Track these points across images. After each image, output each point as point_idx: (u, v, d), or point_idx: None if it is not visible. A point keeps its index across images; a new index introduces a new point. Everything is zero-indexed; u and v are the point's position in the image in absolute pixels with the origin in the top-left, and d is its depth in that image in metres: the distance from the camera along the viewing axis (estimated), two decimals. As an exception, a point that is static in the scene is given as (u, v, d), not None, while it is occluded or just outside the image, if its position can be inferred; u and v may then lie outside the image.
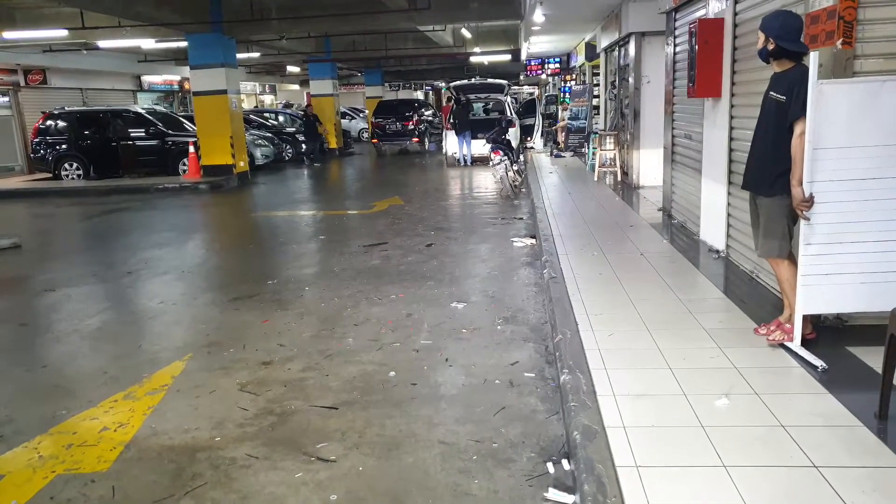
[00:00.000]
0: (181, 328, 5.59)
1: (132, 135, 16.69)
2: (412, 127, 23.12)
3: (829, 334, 4.18)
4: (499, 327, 5.15)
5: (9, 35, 14.97)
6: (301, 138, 21.65)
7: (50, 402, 4.16)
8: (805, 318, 3.96)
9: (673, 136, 8.27)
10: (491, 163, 12.61)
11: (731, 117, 6.02)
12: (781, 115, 3.79)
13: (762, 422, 3.19)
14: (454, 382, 4.20)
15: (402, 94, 39.45)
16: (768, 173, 3.93)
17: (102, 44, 16.93)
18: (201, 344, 5.10)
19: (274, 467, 3.32)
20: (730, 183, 6.07)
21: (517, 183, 12.46)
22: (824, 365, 3.68)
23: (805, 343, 3.94)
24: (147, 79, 25.96)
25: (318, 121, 22.08)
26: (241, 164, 15.91)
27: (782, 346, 4.02)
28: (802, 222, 3.76)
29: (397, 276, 6.75)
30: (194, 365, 4.68)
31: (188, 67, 15.88)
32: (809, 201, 3.69)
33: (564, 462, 3.18)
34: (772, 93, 3.92)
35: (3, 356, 5.18)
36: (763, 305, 4.87)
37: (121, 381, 4.45)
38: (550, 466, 3.17)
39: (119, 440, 3.63)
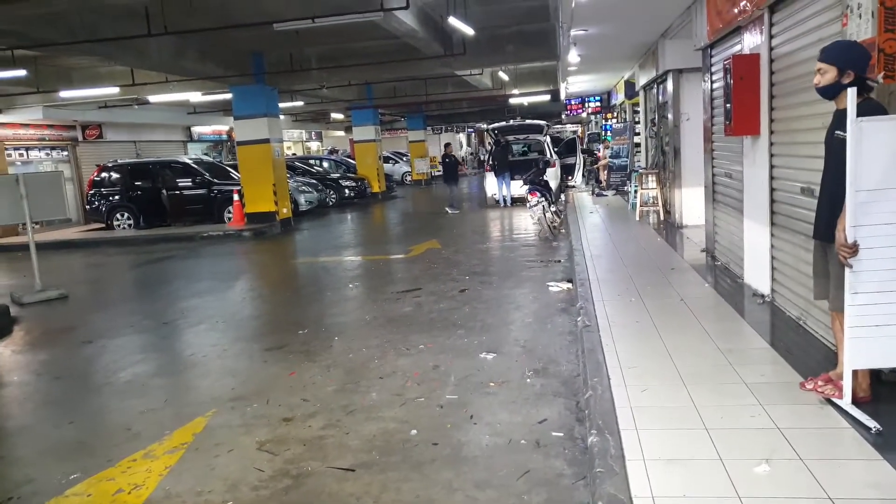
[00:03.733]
0: (209, 381, 5.54)
1: (180, 184, 17.18)
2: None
3: (885, 391, 3.83)
4: (528, 380, 4.94)
5: (66, 94, 15.69)
6: (345, 183, 21.93)
7: (70, 461, 4.13)
8: (861, 375, 3.65)
9: (713, 175, 8.00)
10: (528, 204, 12.47)
11: (772, 155, 5.76)
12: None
13: (807, 493, 2.89)
14: (478, 442, 4.00)
15: (445, 137, 39.85)
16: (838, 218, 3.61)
17: (153, 98, 17.57)
18: (226, 398, 5.02)
19: (284, 536, 3.17)
20: (772, 224, 5.78)
21: (556, 224, 12.26)
22: (878, 427, 3.35)
23: (857, 402, 3.62)
24: (196, 129, 26.82)
25: (460, 162, 19.57)
26: (284, 210, 16.14)
27: (831, 403, 3.71)
28: (848, 270, 3.48)
29: (427, 325, 6.61)
30: (217, 421, 4.60)
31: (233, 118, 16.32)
32: (853, 248, 3.42)
33: (589, 535, 2.96)
34: (838, 132, 3.58)
35: (34, 412, 5.22)
36: (811, 355, 4.55)
37: (142, 437, 4.40)
38: (574, 540, 2.94)
39: (132, 503, 3.54)
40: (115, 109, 20.23)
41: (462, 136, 45.09)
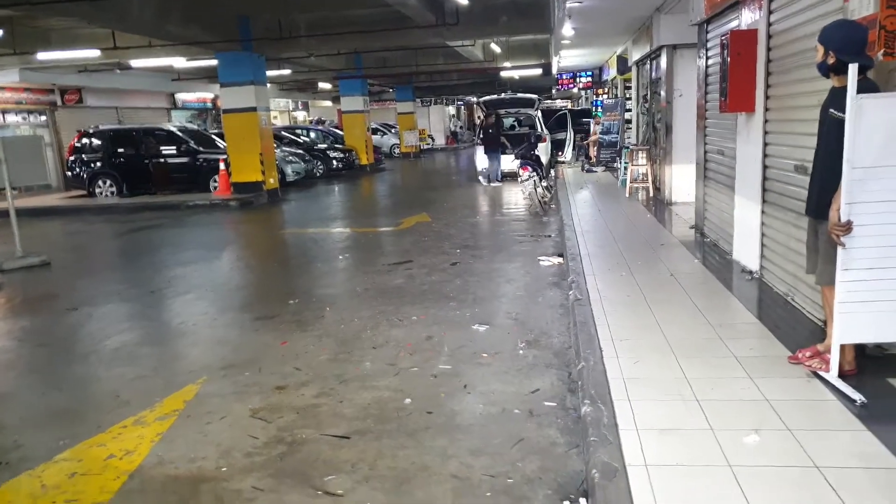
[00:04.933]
0: (199, 350, 5.52)
1: (164, 152, 16.88)
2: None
3: (869, 365, 3.90)
4: (521, 352, 4.97)
5: (43, 56, 15.29)
6: (332, 154, 21.72)
7: (59, 427, 4.10)
8: (847, 349, 3.70)
9: (705, 152, 8.02)
10: (519, 179, 12.46)
11: (766, 132, 5.77)
12: (843, 134, 3.43)
13: (795, 462, 2.96)
14: (472, 411, 4.03)
15: (434, 110, 39.55)
16: (832, 195, 3.61)
17: (135, 63, 17.21)
18: (217, 366, 5.01)
19: (279, 501, 3.19)
20: (764, 201, 5.81)
21: (546, 199, 12.26)
22: (863, 399, 3.42)
23: (843, 375, 3.68)
24: (180, 97, 26.39)
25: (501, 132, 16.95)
26: (271, 180, 15.99)
27: (818, 377, 3.77)
28: (840, 247, 3.52)
29: (419, 297, 6.62)
30: (208, 389, 4.59)
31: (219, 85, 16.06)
32: (846, 227, 3.45)
33: (582, 501, 3.00)
34: (832, 110, 3.62)
35: (19, 378, 5.17)
36: (798, 331, 4.61)
37: (132, 404, 4.38)
38: (567, 506, 2.99)
39: (124, 469, 3.54)
40: (95, 74, 19.82)
41: (451, 109, 44.76)
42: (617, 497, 2.77)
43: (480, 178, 17.20)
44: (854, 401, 3.45)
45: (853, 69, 3.29)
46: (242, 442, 3.79)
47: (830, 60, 3.63)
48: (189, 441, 3.83)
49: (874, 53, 3.62)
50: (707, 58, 7.69)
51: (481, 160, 17.34)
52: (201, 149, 16.87)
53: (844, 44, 3.56)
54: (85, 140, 17.27)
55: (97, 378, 5.00)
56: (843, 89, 3.51)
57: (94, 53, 14.79)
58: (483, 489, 3.18)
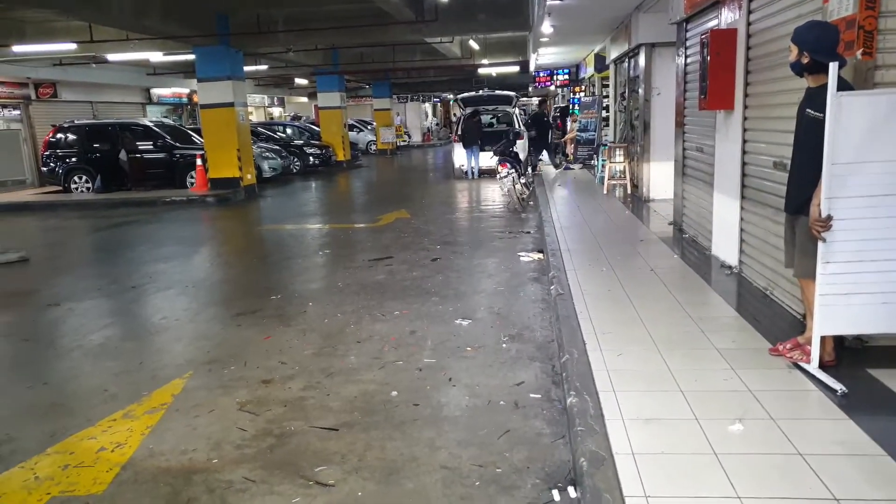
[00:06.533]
0: (182, 344, 5.50)
1: (140, 148, 16.70)
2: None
3: (848, 356, 4.02)
4: (504, 345, 5.03)
5: (18, 48, 15.02)
6: (309, 151, 21.61)
7: (49, 421, 4.08)
8: (827, 341, 3.81)
9: (684, 149, 8.14)
10: (498, 175, 12.52)
11: (745, 129, 5.89)
12: (821, 133, 3.53)
13: (779, 449, 3.05)
14: (458, 403, 4.07)
15: (411, 107, 39.48)
16: (809, 192, 3.72)
17: (111, 57, 17.01)
18: (202, 361, 5.00)
19: (271, 492, 3.21)
20: (743, 197, 5.93)
21: (525, 196, 12.34)
22: (844, 389, 3.53)
23: (824, 366, 3.79)
24: (156, 91, 26.09)
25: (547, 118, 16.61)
26: (249, 176, 15.88)
27: (799, 368, 3.88)
28: (820, 241, 3.62)
29: (401, 292, 6.64)
30: (194, 383, 4.58)
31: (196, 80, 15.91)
32: (825, 223, 3.55)
33: (571, 489, 3.06)
34: (808, 110, 3.73)
35: (5, 373, 5.11)
36: (777, 324, 4.72)
37: (120, 398, 4.37)
38: (556, 494, 3.04)
39: (116, 461, 3.53)
40: (70, 68, 19.53)
41: (428, 106, 44.73)
42: (605, 484, 2.83)
43: (458, 172, 17.30)
44: (835, 391, 3.55)
45: (833, 68, 3.39)
46: (232, 434, 3.79)
47: (805, 60, 3.72)
48: (179, 434, 3.83)
49: (852, 53, 3.73)
50: (686, 56, 7.81)
51: (459, 156, 17.41)
52: (178, 144, 16.71)
53: (818, 44, 3.66)
54: (60, 135, 17.03)
55: (84, 372, 4.96)
56: (819, 89, 3.63)
57: (70, 47, 14.60)
58: (472, 479, 3.22)
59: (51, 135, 17.19)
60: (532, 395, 4.13)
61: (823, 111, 3.51)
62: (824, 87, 3.51)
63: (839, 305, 3.66)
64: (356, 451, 3.54)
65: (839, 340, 4.00)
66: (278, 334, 5.54)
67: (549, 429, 3.69)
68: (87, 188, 16.78)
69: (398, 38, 16.75)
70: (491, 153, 14.29)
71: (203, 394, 4.39)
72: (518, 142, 15.25)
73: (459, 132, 17.45)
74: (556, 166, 17.56)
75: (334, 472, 3.34)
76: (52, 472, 3.45)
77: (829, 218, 3.54)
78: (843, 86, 3.57)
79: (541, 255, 7.85)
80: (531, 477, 3.21)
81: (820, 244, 3.62)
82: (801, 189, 3.81)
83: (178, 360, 5.07)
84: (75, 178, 16.86)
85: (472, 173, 17.00)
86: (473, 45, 20.69)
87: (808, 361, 3.82)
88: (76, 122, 17.49)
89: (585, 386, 3.82)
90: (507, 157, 12.76)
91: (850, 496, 2.67)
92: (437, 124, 45.91)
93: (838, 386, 3.56)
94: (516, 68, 23.68)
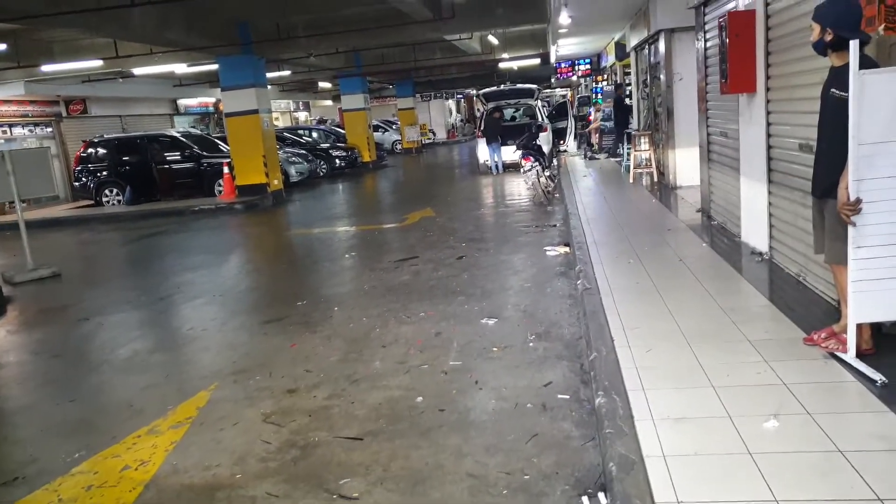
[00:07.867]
0: (209, 355, 5.52)
1: (168, 158, 16.95)
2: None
3: (888, 344, 3.83)
4: (531, 344, 4.94)
5: (47, 68, 15.37)
6: (335, 153, 21.68)
7: (74, 440, 4.11)
8: (864, 329, 3.65)
9: (708, 135, 7.95)
10: (522, 169, 12.41)
11: (768, 112, 5.71)
12: (846, 113, 3.37)
13: (817, 447, 2.91)
14: (484, 407, 4.00)
15: (434, 105, 39.41)
16: (837, 175, 3.56)
17: (137, 71, 17.25)
18: (228, 372, 5.01)
19: (295, 506, 3.18)
20: (770, 181, 5.75)
21: (550, 188, 12.20)
22: (884, 379, 3.37)
23: (861, 355, 3.63)
24: (183, 102, 26.41)
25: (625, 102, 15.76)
26: (275, 182, 15.98)
27: (836, 357, 3.72)
28: (851, 226, 3.46)
29: (427, 292, 6.59)
30: (220, 395, 4.59)
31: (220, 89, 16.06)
32: (854, 206, 3.39)
33: (601, 496, 2.96)
34: (833, 90, 3.57)
35: (34, 391, 5.18)
36: (812, 311, 4.55)
37: (146, 413, 4.38)
38: (586, 501, 2.95)
39: (139, 479, 3.53)
40: (98, 83, 19.86)
41: (452, 103, 44.61)
42: (636, 490, 2.74)
43: (483, 168, 17.20)
44: (874, 381, 3.40)
45: (854, 45, 3.24)
46: (256, 447, 3.77)
47: (828, 37, 3.58)
48: (203, 449, 3.82)
49: (874, 29, 3.57)
50: (706, 40, 7.61)
51: (482, 152, 17.32)
52: (205, 153, 16.90)
53: (841, 20, 3.52)
54: (91, 150, 17.34)
55: (111, 387, 5.01)
56: (842, 68, 3.47)
57: (96, 63, 14.87)
58: (499, 487, 3.15)
59: (82, 150, 17.54)
60: (560, 396, 4.04)
61: (848, 91, 3.35)
62: (848, 65, 3.34)
63: (874, 291, 3.50)
64: (381, 462, 3.49)
65: (877, 327, 3.84)
66: (304, 341, 5.53)
67: (577, 431, 3.60)
68: (118, 201, 17.07)
69: (417, 37, 16.72)
70: (514, 147, 14.17)
71: (228, 406, 4.39)
72: (541, 134, 15.08)
73: (481, 127, 17.35)
74: (587, 156, 17.34)
75: (358, 484, 3.30)
76: (76, 494, 3.46)
77: (858, 201, 3.39)
78: (867, 63, 3.41)
79: (567, 249, 7.73)
80: (560, 483, 3.13)
81: (850, 228, 3.46)
82: (829, 172, 3.66)
83: (203, 372, 5.08)
84: (106, 192, 17.16)
85: (497, 168, 16.88)
86: (493, 39, 20.53)
87: (845, 351, 3.66)
88: (105, 136, 17.79)
89: (614, 385, 3.72)
90: (531, 150, 12.63)
91: None
92: (462, 120, 45.77)
93: (877, 376, 3.40)
94: (537, 61, 23.45)
